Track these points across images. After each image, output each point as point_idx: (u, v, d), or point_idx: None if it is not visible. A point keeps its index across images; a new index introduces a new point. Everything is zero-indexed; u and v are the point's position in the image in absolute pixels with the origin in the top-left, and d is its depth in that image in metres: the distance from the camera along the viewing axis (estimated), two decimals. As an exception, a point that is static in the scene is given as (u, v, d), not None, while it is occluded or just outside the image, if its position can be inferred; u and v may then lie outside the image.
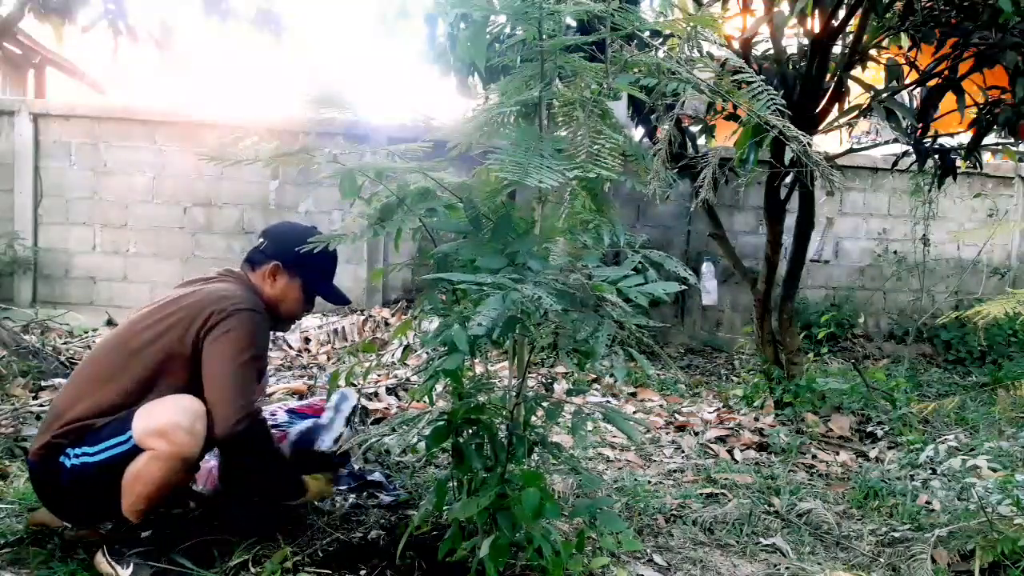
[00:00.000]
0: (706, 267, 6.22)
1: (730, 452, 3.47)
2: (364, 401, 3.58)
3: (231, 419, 1.93)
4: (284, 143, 2.12)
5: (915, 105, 4.34)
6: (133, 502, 1.91)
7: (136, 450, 1.88)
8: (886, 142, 4.95)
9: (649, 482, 2.96)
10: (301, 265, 2.22)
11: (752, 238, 6.54)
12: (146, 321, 2.04)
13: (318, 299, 2.35)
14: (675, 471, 3.18)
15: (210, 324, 1.99)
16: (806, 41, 3.89)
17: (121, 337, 2.04)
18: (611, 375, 4.62)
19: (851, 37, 3.82)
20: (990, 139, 4.13)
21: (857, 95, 4.11)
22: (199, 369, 1.99)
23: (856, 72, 4.09)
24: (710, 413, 4.13)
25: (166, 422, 1.87)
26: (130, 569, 1.92)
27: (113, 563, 1.94)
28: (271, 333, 2.27)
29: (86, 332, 5.29)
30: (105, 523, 2.06)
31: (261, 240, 2.29)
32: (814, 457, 3.47)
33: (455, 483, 2.00)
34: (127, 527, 1.97)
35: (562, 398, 2.11)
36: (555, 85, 1.83)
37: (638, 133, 4.79)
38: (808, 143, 1.81)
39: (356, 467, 2.84)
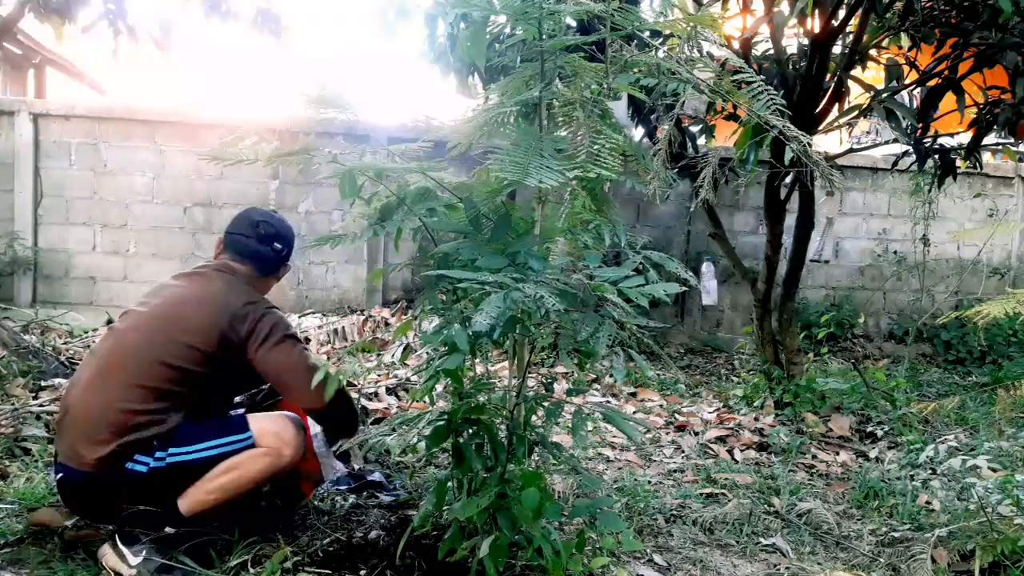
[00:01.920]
0: (706, 267, 6.22)
1: (730, 452, 3.47)
2: (364, 401, 3.58)
3: (315, 397, 2.06)
4: (284, 143, 2.12)
5: (915, 105, 4.34)
6: (211, 491, 2.00)
7: (248, 447, 2.03)
8: (886, 142, 4.95)
9: (649, 482, 2.96)
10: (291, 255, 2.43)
11: (752, 238, 6.54)
12: (162, 326, 2.07)
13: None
14: (675, 471, 3.18)
15: (246, 334, 2.08)
16: (806, 41, 3.89)
17: (143, 344, 2.05)
18: (611, 375, 4.62)
19: (851, 37, 3.82)
20: (990, 139, 4.13)
21: (857, 95, 4.11)
22: (223, 368, 2.10)
23: (856, 72, 4.09)
24: (710, 413, 4.13)
25: (285, 428, 2.08)
26: (140, 558, 1.94)
27: (124, 549, 1.95)
28: None
29: (86, 332, 5.29)
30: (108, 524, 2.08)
31: (279, 245, 2.33)
32: (814, 457, 3.47)
33: (455, 483, 2.00)
34: (155, 519, 2.01)
35: (562, 398, 2.11)
36: (555, 85, 1.83)
37: (638, 133, 4.79)
38: (808, 143, 1.81)
39: (356, 467, 2.84)
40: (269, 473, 2.05)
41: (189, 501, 2.00)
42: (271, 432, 2.06)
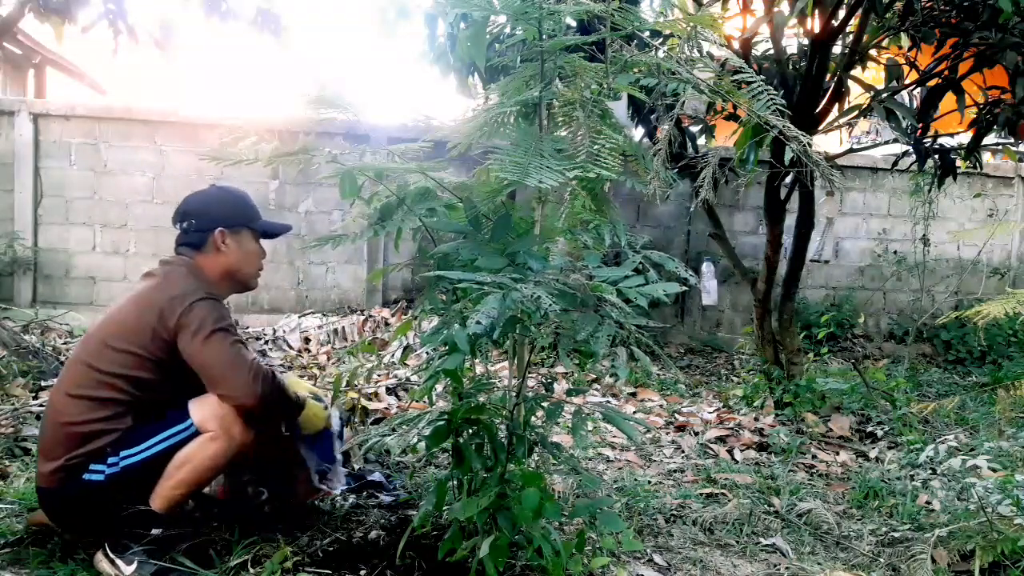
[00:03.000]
0: (706, 267, 6.22)
1: (730, 452, 3.47)
2: (364, 401, 3.58)
3: (249, 385, 1.98)
4: (284, 143, 2.12)
5: (915, 105, 4.35)
6: (174, 486, 1.97)
7: (193, 437, 1.97)
8: (886, 142, 4.96)
9: (649, 482, 2.96)
10: (239, 217, 2.22)
11: (752, 238, 6.54)
12: (107, 334, 2.02)
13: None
14: (675, 471, 3.18)
15: (175, 328, 1.98)
16: (806, 41, 3.89)
17: (90, 353, 2.02)
18: (611, 375, 4.62)
19: (851, 37, 3.82)
20: (990, 139, 4.14)
21: (857, 95, 4.11)
22: (171, 368, 2.01)
23: (856, 72, 4.09)
24: (710, 413, 4.13)
25: (228, 409, 1.98)
26: (134, 566, 1.93)
27: (116, 558, 1.94)
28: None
29: (86, 332, 5.29)
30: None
31: (186, 223, 2.19)
32: (814, 457, 3.47)
33: (455, 483, 2.00)
34: (140, 523, 1.98)
35: (562, 398, 2.11)
36: (555, 85, 1.83)
37: (638, 133, 4.79)
38: (808, 143, 1.81)
39: (356, 467, 2.84)
40: (225, 456, 1.99)
41: (159, 499, 1.98)
42: (214, 416, 1.97)
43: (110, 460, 1.95)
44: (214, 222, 2.16)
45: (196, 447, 1.97)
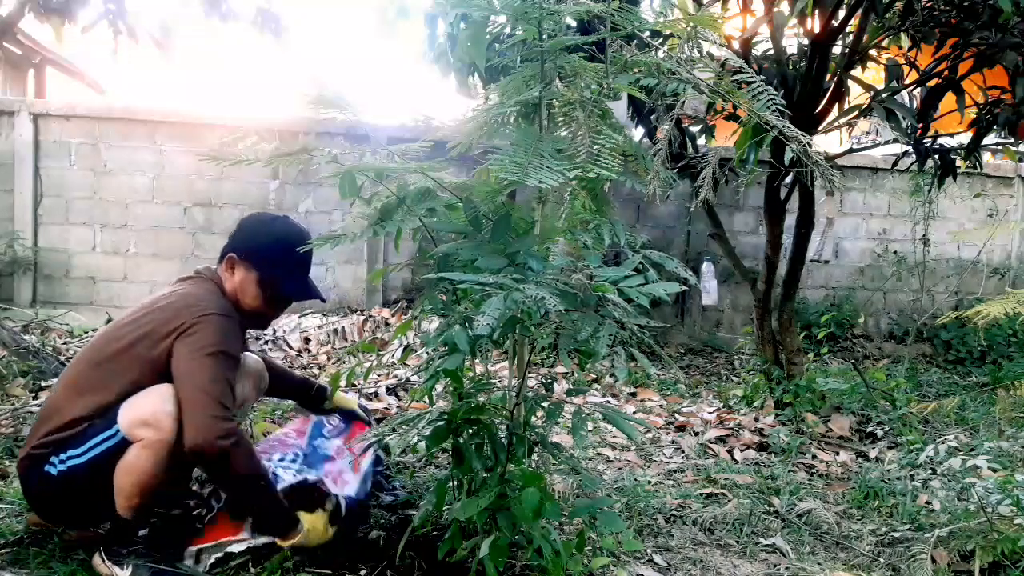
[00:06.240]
0: (706, 267, 6.22)
1: (730, 452, 3.47)
2: (364, 401, 3.57)
3: (208, 430, 1.84)
4: (284, 143, 2.12)
5: (915, 105, 4.34)
6: (128, 496, 1.91)
7: (125, 444, 1.88)
8: (886, 142, 4.96)
9: (649, 482, 2.96)
10: (255, 256, 2.18)
11: (752, 238, 6.54)
12: (118, 332, 2.03)
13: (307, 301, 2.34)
14: (675, 471, 3.18)
15: (179, 331, 1.95)
16: (806, 41, 3.89)
17: (95, 348, 2.04)
18: (611, 375, 4.62)
19: (851, 37, 3.82)
20: (990, 139, 4.13)
21: (857, 95, 4.11)
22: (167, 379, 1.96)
23: (856, 72, 4.09)
24: (710, 413, 4.13)
25: (151, 410, 1.87)
26: (128, 571, 1.92)
27: (111, 565, 1.93)
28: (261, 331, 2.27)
29: (86, 332, 5.29)
30: (102, 524, 2.06)
31: (227, 239, 2.27)
32: (814, 457, 3.47)
33: (455, 483, 2.00)
34: (123, 527, 1.96)
35: (562, 398, 2.10)
36: (555, 85, 1.83)
37: (638, 133, 4.78)
38: (808, 143, 1.81)
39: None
40: (159, 463, 1.87)
41: (121, 508, 1.93)
42: (139, 421, 1.87)
43: (59, 458, 1.91)
44: (235, 245, 2.20)
45: (131, 458, 1.87)
